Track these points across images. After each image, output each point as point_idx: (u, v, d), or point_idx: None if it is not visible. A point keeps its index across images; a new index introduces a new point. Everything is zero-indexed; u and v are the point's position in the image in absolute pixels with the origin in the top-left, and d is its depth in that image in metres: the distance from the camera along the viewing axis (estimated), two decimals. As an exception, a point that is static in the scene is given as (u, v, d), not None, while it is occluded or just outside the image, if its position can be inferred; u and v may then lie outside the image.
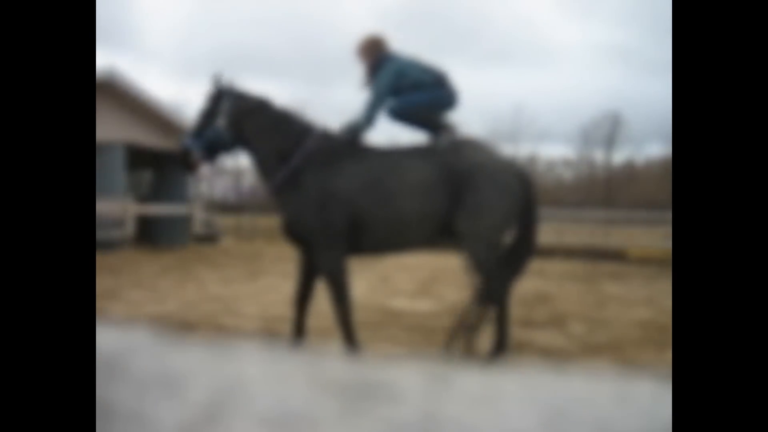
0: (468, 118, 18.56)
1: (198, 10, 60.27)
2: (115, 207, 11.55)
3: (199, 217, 14.70)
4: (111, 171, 12.02)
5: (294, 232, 3.88)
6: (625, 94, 47.86)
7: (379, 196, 3.73)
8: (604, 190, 33.01)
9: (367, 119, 3.94)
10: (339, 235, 3.76)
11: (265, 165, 3.95)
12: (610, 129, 35.89)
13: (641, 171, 37.01)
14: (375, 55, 4.10)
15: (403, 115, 4.08)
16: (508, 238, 4.01)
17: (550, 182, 38.51)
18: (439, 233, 3.89)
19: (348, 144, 3.93)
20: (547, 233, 14.16)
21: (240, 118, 3.97)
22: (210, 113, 4.01)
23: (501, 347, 3.84)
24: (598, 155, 37.20)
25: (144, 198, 14.86)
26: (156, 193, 14.81)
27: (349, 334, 3.87)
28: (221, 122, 3.94)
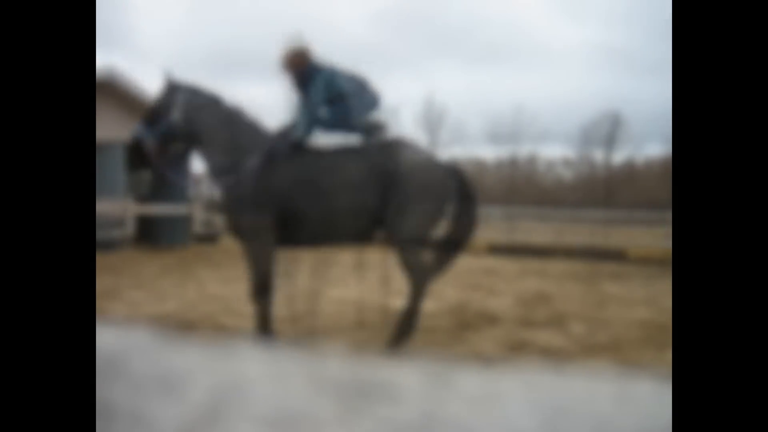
0: (468, 119, 18.63)
1: (195, 10, 60.19)
2: (115, 207, 11.54)
3: (199, 217, 14.69)
4: (111, 171, 12.00)
5: (233, 227, 4.17)
6: (624, 93, 47.85)
7: (311, 194, 3.93)
8: (604, 190, 33.00)
9: (306, 132, 4.06)
10: (266, 231, 3.99)
11: (213, 160, 4.10)
12: (610, 129, 35.85)
13: (641, 171, 36.96)
14: (301, 66, 4.20)
15: (334, 126, 4.22)
16: (439, 232, 4.23)
17: (550, 182, 38.50)
18: (371, 229, 4.11)
19: (290, 147, 4.09)
20: (547, 233, 14.17)
21: (193, 113, 4.06)
22: (164, 106, 4.10)
23: (401, 336, 3.99)
24: (598, 155, 37.16)
25: (144, 198, 14.85)
26: (156, 193, 14.79)
27: (264, 326, 4.07)
28: (175, 115, 4.03)
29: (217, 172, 4.10)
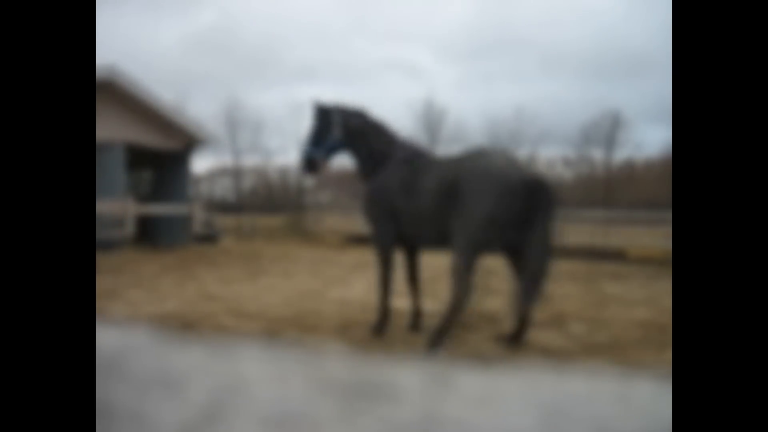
0: (470, 120, 18.65)
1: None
2: (115, 207, 11.54)
3: (199, 217, 14.70)
4: (111, 171, 12.01)
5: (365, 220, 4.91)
6: (624, 93, 47.84)
7: (405, 199, 4.51)
8: (604, 190, 33.00)
9: None
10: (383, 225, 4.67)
11: (361, 164, 4.84)
12: (610, 129, 35.84)
13: (641, 171, 36.95)
14: None
15: None
16: (512, 241, 4.20)
17: (550, 182, 38.43)
18: (444, 234, 4.32)
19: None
20: (547, 233, 14.13)
21: (348, 128, 4.84)
22: (324, 127, 4.88)
23: (435, 342, 4.03)
24: (598, 155, 37.15)
25: (144, 198, 14.86)
26: (156, 193, 14.80)
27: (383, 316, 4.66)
28: (336, 133, 4.86)
29: (362, 174, 4.85)
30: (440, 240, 4.42)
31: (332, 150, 4.91)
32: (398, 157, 4.69)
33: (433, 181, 4.30)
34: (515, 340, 4.19)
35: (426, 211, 4.31)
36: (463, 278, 4.06)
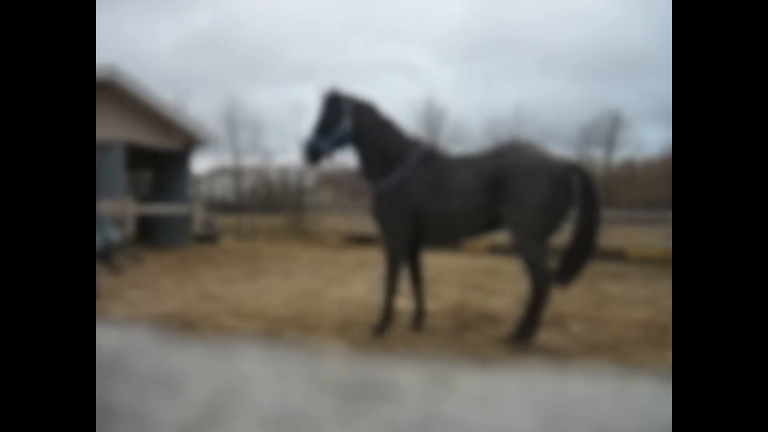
0: (470, 120, 18.61)
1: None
2: (115, 207, 11.54)
3: (199, 217, 14.70)
4: (111, 171, 12.01)
5: (374, 220, 4.76)
6: (623, 93, 47.82)
7: (435, 197, 4.44)
8: (604, 190, 33.01)
9: None
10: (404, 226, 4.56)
11: (368, 162, 4.69)
12: (610, 129, 35.86)
13: (641, 171, 36.96)
14: None
15: None
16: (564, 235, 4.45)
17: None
18: (483, 228, 4.48)
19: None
20: (547, 233, 14.14)
21: (358, 120, 4.66)
22: (333, 116, 4.67)
23: (522, 335, 4.12)
24: (598, 155, 37.15)
25: (144, 198, 14.86)
26: (156, 193, 14.80)
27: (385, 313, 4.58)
28: (347, 123, 4.66)
29: (370, 174, 4.67)
30: (473, 235, 4.58)
31: (340, 142, 4.65)
32: (413, 158, 4.55)
33: (468, 178, 4.31)
34: (521, 340, 4.16)
35: (462, 209, 4.31)
36: (539, 267, 4.24)
